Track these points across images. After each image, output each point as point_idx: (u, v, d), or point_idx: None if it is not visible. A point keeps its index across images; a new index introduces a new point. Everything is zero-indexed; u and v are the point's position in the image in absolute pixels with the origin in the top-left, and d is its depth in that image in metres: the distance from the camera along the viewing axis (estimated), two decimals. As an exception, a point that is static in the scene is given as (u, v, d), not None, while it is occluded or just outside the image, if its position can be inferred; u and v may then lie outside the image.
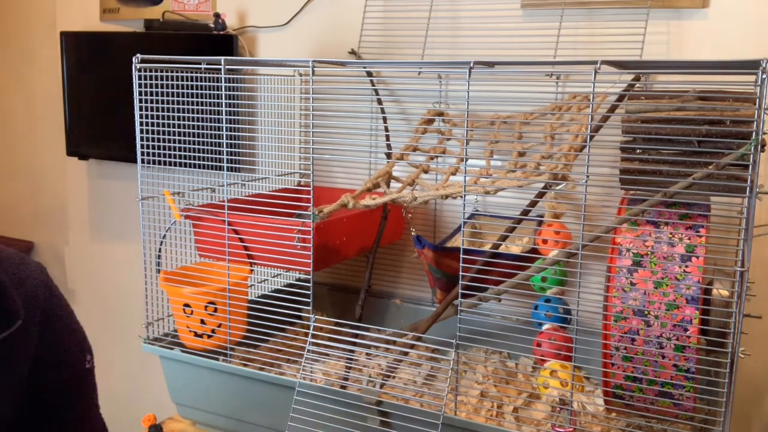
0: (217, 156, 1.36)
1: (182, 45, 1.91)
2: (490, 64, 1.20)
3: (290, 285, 1.64)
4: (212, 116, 1.36)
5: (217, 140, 1.36)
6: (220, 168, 1.35)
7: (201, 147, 1.41)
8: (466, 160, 1.19)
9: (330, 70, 1.68)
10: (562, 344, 1.23)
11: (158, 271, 1.42)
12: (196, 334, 1.37)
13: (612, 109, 1.26)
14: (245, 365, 1.35)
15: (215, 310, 1.35)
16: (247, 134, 1.80)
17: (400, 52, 1.70)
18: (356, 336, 1.35)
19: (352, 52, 1.75)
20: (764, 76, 0.94)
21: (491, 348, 1.53)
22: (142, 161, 1.43)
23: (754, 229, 0.99)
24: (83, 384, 0.95)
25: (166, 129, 1.41)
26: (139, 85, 1.40)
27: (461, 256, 1.16)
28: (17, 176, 2.50)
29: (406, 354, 1.35)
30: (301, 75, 1.73)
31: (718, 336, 1.05)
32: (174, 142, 1.41)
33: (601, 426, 1.24)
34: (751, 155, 0.97)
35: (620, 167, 1.08)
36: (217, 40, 1.86)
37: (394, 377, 1.36)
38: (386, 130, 1.67)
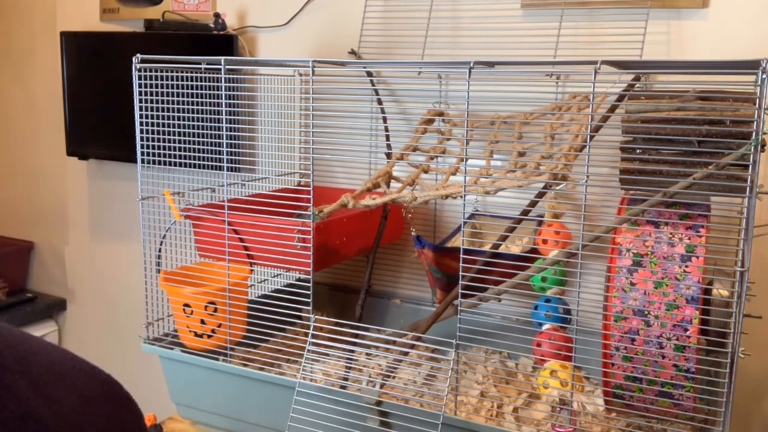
0: (217, 156, 1.36)
1: (182, 45, 1.91)
2: (490, 64, 1.20)
3: (290, 285, 1.64)
4: (212, 116, 1.36)
5: (217, 140, 1.36)
6: (220, 168, 1.35)
7: (201, 147, 1.41)
8: (466, 160, 1.19)
9: (330, 70, 1.68)
10: (562, 344, 1.23)
11: (158, 271, 1.42)
12: (196, 334, 1.37)
13: (612, 109, 1.26)
14: (245, 365, 1.35)
15: (215, 310, 1.35)
16: (247, 134, 1.80)
17: (400, 52, 1.70)
18: (356, 336, 1.35)
19: (352, 52, 1.75)
20: (764, 76, 0.94)
21: (491, 348, 1.53)
22: (142, 161, 1.42)
23: (754, 229, 0.99)
24: None
25: (166, 129, 1.41)
26: (139, 85, 1.40)
27: (461, 256, 1.16)
28: (17, 176, 2.50)
29: (406, 354, 1.35)
30: (301, 75, 1.72)
31: (718, 336, 1.05)
32: (174, 142, 1.41)
33: (601, 426, 1.24)
34: (751, 155, 0.97)
35: (620, 167, 1.08)
36: (217, 40, 1.86)
37: (394, 377, 1.36)
38: (386, 130, 1.67)
